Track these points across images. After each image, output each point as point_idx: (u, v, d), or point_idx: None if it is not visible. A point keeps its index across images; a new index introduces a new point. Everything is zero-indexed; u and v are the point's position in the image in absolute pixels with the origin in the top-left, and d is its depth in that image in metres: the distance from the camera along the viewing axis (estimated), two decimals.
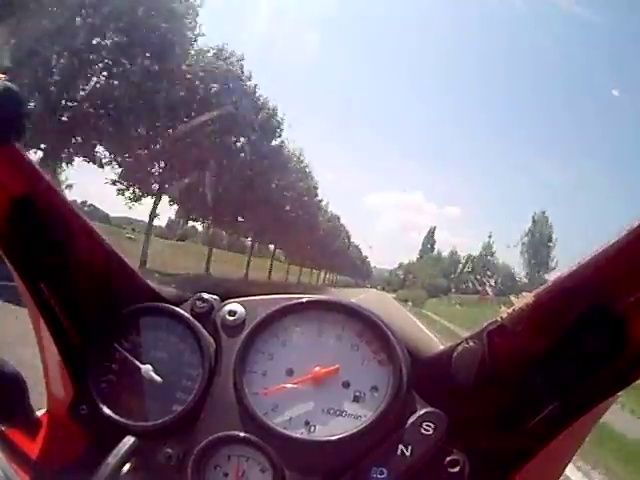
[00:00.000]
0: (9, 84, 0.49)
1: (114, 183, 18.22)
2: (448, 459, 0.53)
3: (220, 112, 17.11)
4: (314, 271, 55.65)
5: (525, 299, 0.51)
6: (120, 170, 17.92)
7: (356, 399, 0.57)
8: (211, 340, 0.63)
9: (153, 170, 17.85)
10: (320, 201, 36.34)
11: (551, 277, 0.50)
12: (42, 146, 14.68)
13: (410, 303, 43.40)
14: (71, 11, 13.62)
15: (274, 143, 23.21)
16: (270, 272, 34.17)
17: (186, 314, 0.65)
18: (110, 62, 15.09)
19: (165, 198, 19.83)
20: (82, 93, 15.07)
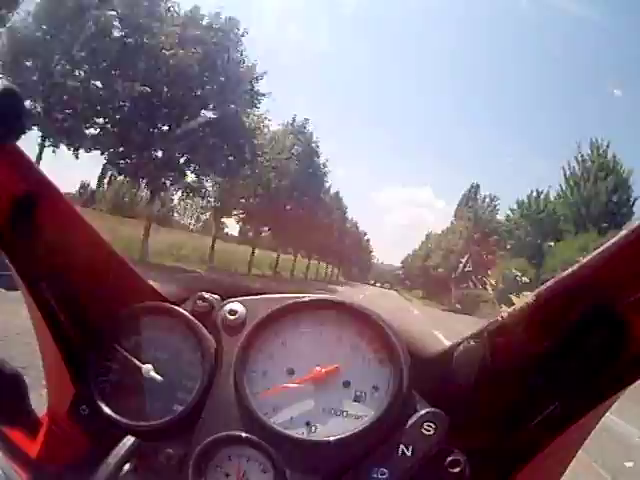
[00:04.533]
0: (9, 84, 0.49)
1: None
2: (449, 459, 0.53)
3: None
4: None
5: (526, 299, 0.51)
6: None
7: (357, 399, 0.57)
8: (212, 339, 0.63)
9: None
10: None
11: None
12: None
13: None
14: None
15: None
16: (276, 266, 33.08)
17: (186, 313, 0.65)
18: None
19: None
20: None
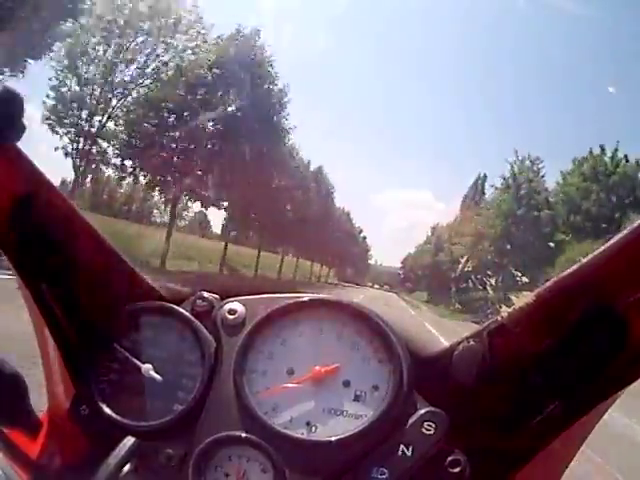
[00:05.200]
0: (8, 85, 0.49)
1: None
2: (449, 459, 0.53)
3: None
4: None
5: (526, 298, 0.51)
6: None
7: (357, 398, 0.57)
8: (211, 339, 0.63)
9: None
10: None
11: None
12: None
13: None
14: None
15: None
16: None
17: (186, 313, 0.65)
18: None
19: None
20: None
